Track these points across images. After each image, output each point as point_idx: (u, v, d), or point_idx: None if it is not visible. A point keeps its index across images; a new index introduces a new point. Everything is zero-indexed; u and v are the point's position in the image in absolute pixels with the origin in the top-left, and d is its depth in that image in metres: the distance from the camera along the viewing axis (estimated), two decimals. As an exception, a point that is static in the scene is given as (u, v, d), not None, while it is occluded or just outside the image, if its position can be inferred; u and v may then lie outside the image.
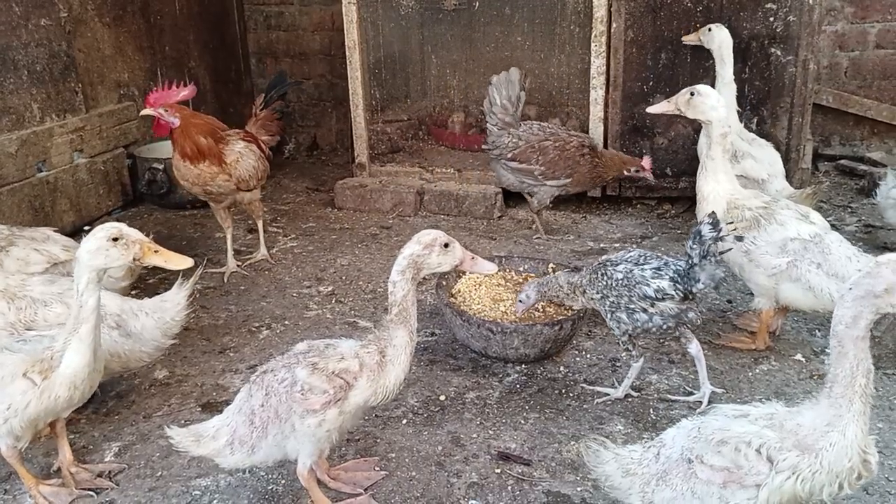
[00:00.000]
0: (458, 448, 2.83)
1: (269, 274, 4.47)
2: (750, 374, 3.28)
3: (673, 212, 5.26)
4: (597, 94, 4.99)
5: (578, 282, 3.11)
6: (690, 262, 2.82)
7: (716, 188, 3.32)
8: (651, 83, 4.95)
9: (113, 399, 3.21)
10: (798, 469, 1.87)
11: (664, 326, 2.91)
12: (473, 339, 3.41)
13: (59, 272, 3.23)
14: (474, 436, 2.90)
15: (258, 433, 2.29)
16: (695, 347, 3.03)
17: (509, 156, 4.65)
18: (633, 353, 3.04)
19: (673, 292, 2.84)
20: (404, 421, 3.01)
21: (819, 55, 5.65)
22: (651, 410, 3.04)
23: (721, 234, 2.76)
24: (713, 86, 4.15)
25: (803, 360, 3.37)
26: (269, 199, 5.74)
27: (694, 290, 2.83)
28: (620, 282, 2.93)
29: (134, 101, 5.68)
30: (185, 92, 4.10)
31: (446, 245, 2.40)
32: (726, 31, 4.38)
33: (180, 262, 2.47)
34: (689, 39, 4.68)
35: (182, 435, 2.34)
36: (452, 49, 5.38)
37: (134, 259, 2.41)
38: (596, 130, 5.10)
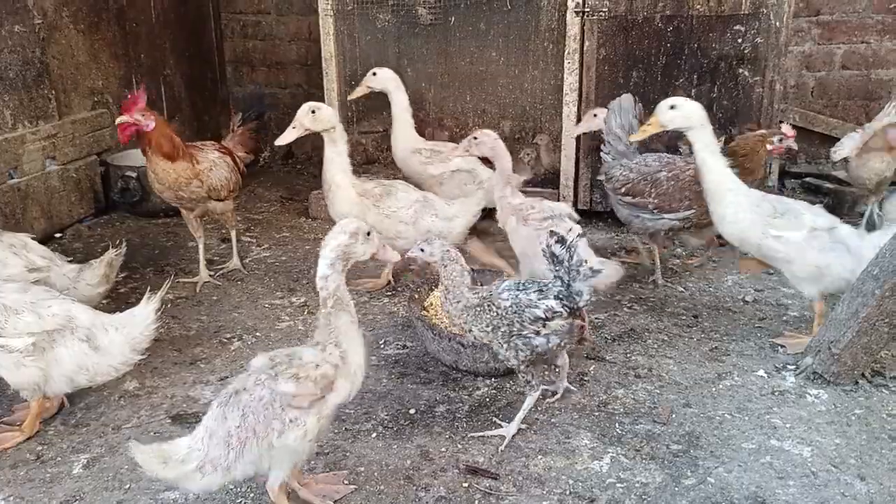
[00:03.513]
0: (427, 462, 2.86)
1: (242, 284, 4.48)
2: (714, 389, 3.35)
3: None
4: (569, 109, 5.06)
5: (464, 315, 2.95)
6: (564, 283, 2.91)
7: (345, 179, 4.14)
8: (623, 100, 5.03)
9: (81, 410, 3.20)
10: None
11: (562, 343, 2.95)
12: (444, 353, 3.45)
13: (35, 278, 3.22)
14: (443, 450, 2.94)
15: (234, 454, 2.25)
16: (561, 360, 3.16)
17: (622, 190, 4.26)
18: (533, 382, 2.99)
19: (561, 309, 2.89)
20: (374, 434, 3.04)
21: (786, 76, 5.80)
22: (617, 425, 3.10)
23: (571, 246, 2.86)
24: (396, 113, 4.92)
25: (765, 375, 3.45)
26: (243, 208, 5.74)
27: (581, 304, 2.91)
28: (510, 309, 2.89)
29: (108, 108, 5.66)
30: (143, 95, 4.03)
31: (368, 233, 2.51)
32: (390, 70, 4.89)
33: None
34: (355, 95, 5.04)
35: (147, 454, 2.25)
36: (428, 63, 5.43)
37: None
38: (569, 145, 5.18)
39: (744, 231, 3.54)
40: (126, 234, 5.27)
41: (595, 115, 4.57)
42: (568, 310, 2.89)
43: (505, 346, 2.93)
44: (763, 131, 4.36)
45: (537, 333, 2.89)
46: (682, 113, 3.62)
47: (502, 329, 2.90)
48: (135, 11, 5.99)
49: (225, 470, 2.26)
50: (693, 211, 4.10)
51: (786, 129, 4.21)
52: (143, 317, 2.96)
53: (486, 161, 4.10)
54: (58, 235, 5.13)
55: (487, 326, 2.91)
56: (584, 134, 4.85)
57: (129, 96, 4.04)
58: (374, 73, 4.94)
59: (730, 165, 4.08)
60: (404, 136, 4.99)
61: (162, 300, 3.03)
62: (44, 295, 2.94)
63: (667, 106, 3.65)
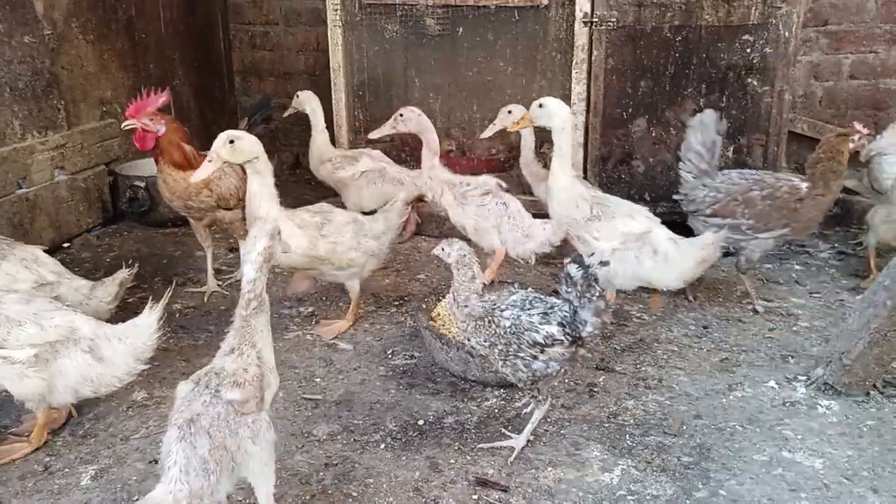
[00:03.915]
0: (436, 474, 2.85)
1: (250, 294, 4.46)
2: (724, 400, 3.33)
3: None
4: (577, 119, 5.04)
5: (466, 323, 2.92)
6: (572, 306, 2.83)
7: (281, 213, 3.68)
8: (630, 110, 5.03)
9: (90, 421, 3.20)
10: None
11: (562, 370, 2.88)
12: (453, 363, 3.43)
13: (45, 293, 3.22)
14: (452, 461, 2.92)
15: (215, 476, 2.23)
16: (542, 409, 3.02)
17: (708, 212, 4.10)
18: (540, 397, 2.96)
19: (563, 337, 2.80)
20: (382, 446, 3.02)
21: (795, 85, 5.78)
22: (627, 436, 3.08)
23: (589, 267, 2.80)
24: (313, 134, 5.22)
25: (776, 386, 3.42)
26: (251, 218, 5.74)
27: (584, 334, 2.82)
28: (508, 329, 2.82)
29: (116, 118, 5.67)
30: (163, 98, 4.05)
31: (279, 232, 2.63)
32: (310, 92, 5.26)
33: None
34: (287, 112, 5.41)
35: None
36: (436, 73, 5.43)
37: None
38: (576, 155, 5.15)
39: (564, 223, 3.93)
40: (134, 243, 5.28)
41: (510, 112, 4.43)
42: (570, 338, 2.81)
43: (501, 363, 2.88)
44: (841, 130, 4.23)
45: (535, 358, 2.82)
46: (547, 112, 3.78)
47: (499, 347, 2.84)
48: (144, 22, 6.02)
49: (210, 496, 2.22)
50: (788, 228, 4.04)
51: (859, 126, 4.16)
52: (145, 326, 2.94)
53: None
54: (66, 245, 5.13)
55: (485, 342, 2.87)
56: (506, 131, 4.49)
57: (137, 98, 4.01)
58: (298, 96, 5.29)
59: (819, 170, 4.04)
60: (318, 148, 5.28)
61: (165, 309, 3.01)
62: (47, 306, 2.94)
63: (537, 104, 3.81)
